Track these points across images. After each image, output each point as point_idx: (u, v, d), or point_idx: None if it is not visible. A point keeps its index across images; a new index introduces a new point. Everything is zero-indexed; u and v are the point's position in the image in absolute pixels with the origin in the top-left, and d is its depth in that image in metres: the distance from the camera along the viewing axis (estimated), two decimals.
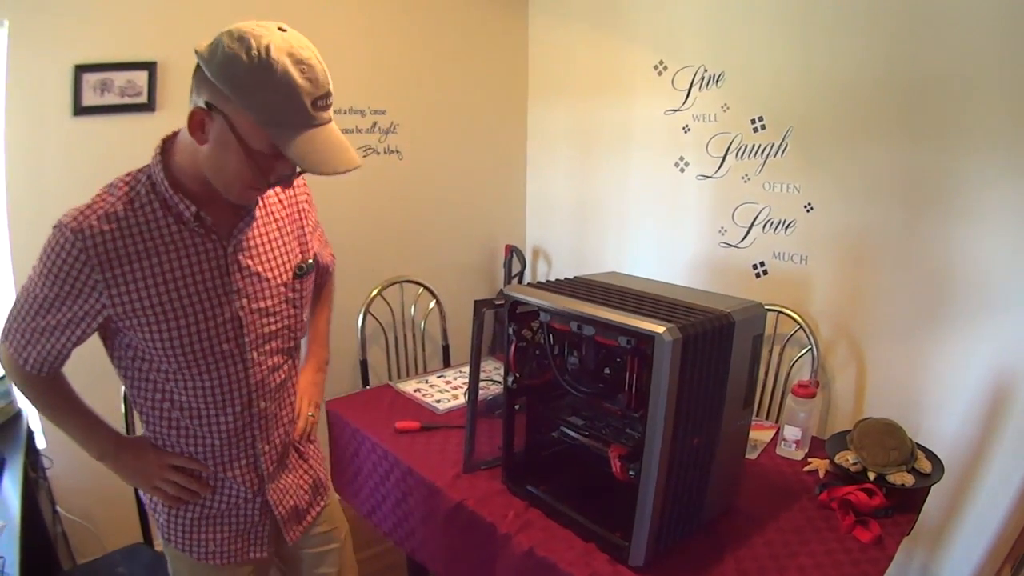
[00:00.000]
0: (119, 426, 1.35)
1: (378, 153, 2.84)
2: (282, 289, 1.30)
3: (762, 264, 2.48)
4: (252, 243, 1.25)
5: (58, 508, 2.31)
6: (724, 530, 1.54)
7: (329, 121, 1.09)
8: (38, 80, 2.13)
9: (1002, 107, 1.86)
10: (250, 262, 1.24)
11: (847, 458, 1.67)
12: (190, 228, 1.15)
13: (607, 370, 1.54)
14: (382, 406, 2.17)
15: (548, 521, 1.58)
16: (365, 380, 2.69)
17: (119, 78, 2.24)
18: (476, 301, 1.66)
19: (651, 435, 1.30)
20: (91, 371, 1.39)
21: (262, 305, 1.27)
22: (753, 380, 1.53)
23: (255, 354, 1.27)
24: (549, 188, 3.30)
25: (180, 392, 1.22)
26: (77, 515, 2.37)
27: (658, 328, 1.25)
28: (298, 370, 1.46)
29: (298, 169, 1.14)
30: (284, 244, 1.33)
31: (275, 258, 1.30)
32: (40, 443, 2.18)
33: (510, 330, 1.62)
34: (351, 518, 2.14)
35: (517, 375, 1.64)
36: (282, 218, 1.34)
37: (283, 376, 1.36)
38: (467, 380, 2.37)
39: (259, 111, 1.00)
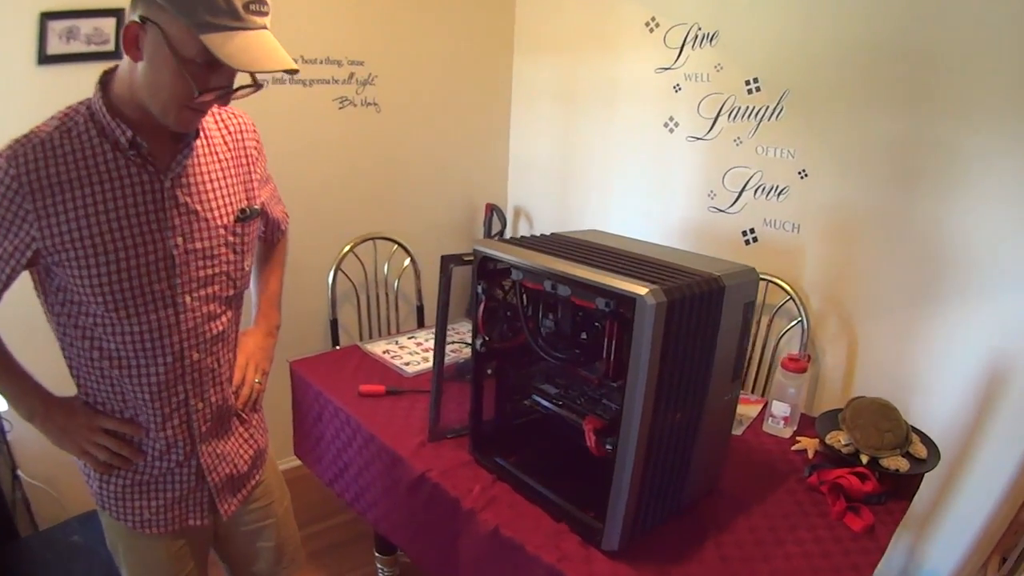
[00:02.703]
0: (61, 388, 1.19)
1: (355, 105, 2.64)
2: (221, 231, 1.18)
3: (752, 231, 2.30)
4: (192, 179, 1.13)
5: (19, 472, 2.17)
6: (706, 512, 1.39)
7: (264, 27, 0.99)
8: (1, 28, 1.96)
9: (1005, 82, 1.70)
10: (188, 199, 1.12)
11: (839, 439, 1.52)
12: (126, 156, 1.05)
13: (584, 335, 1.37)
14: (348, 368, 2.00)
15: (516, 496, 1.43)
16: (335, 340, 2.53)
17: (86, 25, 2.06)
18: (443, 257, 1.48)
19: (629, 408, 1.14)
20: (25, 328, 1.27)
21: (198, 246, 1.14)
22: (743, 351, 1.36)
23: (188, 298, 1.14)
24: (532, 146, 3.10)
25: (109, 338, 1.10)
26: (39, 480, 2.21)
27: (640, 289, 1.07)
28: (239, 324, 1.29)
29: (237, 85, 1.04)
30: (227, 185, 1.20)
31: (216, 198, 1.17)
32: None
33: (479, 288, 1.44)
34: (317, 485, 2.00)
35: (486, 338, 1.46)
36: (226, 159, 1.21)
37: (220, 327, 1.21)
38: None
39: (189, 13, 0.92)
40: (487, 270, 1.44)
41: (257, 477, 1.38)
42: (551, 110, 2.95)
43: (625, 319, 1.14)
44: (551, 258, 1.28)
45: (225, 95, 1.04)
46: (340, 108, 2.60)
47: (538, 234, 1.53)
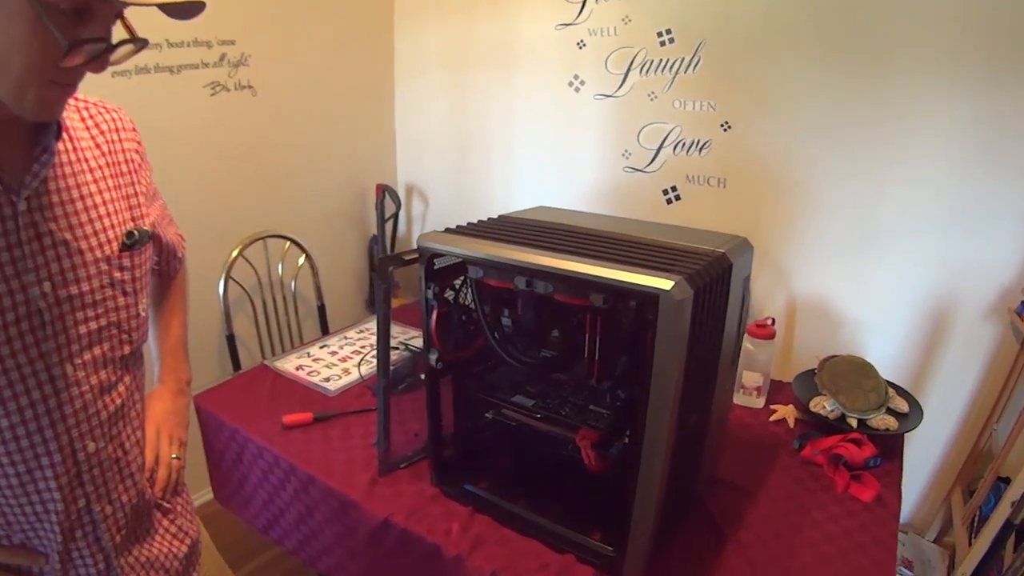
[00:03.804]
0: None
1: (228, 90, 2.25)
2: (104, 267, 0.83)
3: (674, 189, 2.18)
4: (57, 199, 0.78)
5: None
6: (715, 508, 1.25)
7: None
8: None
9: (934, 28, 1.65)
10: (53, 225, 0.77)
11: (823, 404, 1.43)
12: None
13: (555, 333, 1.17)
14: (261, 394, 1.68)
15: (503, 530, 1.21)
16: (235, 360, 2.18)
17: None
18: (380, 260, 1.22)
19: (655, 421, 0.95)
20: None
21: (74, 291, 0.79)
22: (742, 332, 1.21)
23: (69, 368, 0.80)
24: (422, 118, 2.81)
25: None
26: None
27: (662, 283, 0.88)
28: (142, 390, 0.96)
29: (116, 43, 0.69)
30: (105, 203, 0.84)
31: (92, 221, 0.82)
32: None
33: (429, 293, 1.20)
34: (243, 529, 1.68)
35: (439, 351, 1.23)
36: (101, 167, 0.85)
37: (119, 400, 0.87)
38: (355, 348, 1.96)
39: None
40: (433, 269, 1.20)
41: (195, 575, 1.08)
42: (441, 78, 2.67)
43: (609, 314, 0.95)
44: (525, 250, 1.05)
45: (102, 55, 0.68)
46: (212, 94, 2.20)
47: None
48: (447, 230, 1.18)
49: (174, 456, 1.06)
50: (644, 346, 0.94)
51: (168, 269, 1.15)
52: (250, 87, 2.32)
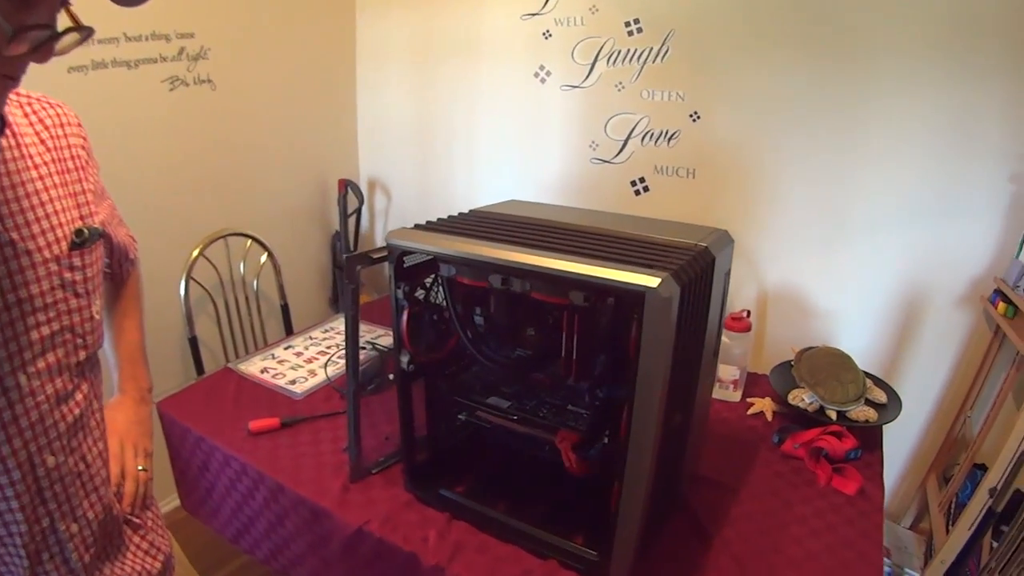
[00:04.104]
0: None
1: (187, 84, 2.15)
2: (54, 267, 0.76)
3: (642, 180, 2.15)
4: (1, 197, 0.72)
5: None
6: (698, 507, 1.22)
7: None
8: None
9: (905, 17, 1.65)
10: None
11: (801, 397, 1.41)
12: None
13: (531, 331, 1.12)
14: (226, 399, 1.60)
15: (482, 536, 1.16)
16: (198, 363, 2.09)
17: None
18: (348, 257, 1.15)
19: (640, 422, 0.91)
20: None
21: (24, 294, 0.73)
22: (722, 326, 1.18)
23: (23, 377, 0.73)
24: (385, 111, 2.74)
25: None
26: None
27: (648, 280, 0.84)
28: (101, 398, 0.89)
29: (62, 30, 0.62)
30: (52, 200, 0.78)
31: (39, 220, 0.75)
32: None
33: (399, 293, 1.14)
34: (212, 535, 1.60)
35: (411, 353, 1.17)
36: (46, 163, 0.79)
37: (77, 410, 0.81)
38: (320, 349, 1.88)
39: None
40: (403, 267, 1.14)
41: None
42: (404, 70, 2.59)
43: (586, 311, 0.90)
44: (500, 246, 1.00)
45: (47, 43, 0.61)
46: (171, 89, 2.10)
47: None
48: (417, 226, 1.12)
49: (140, 468, 0.99)
50: (625, 344, 0.90)
51: (120, 272, 1.08)
52: (209, 81, 2.23)
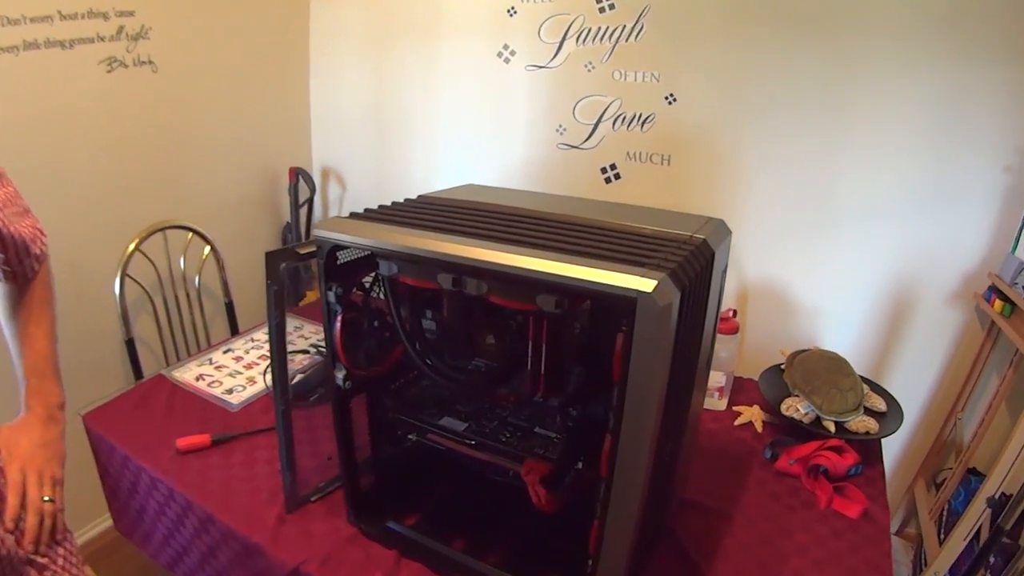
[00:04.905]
0: None
1: (126, 66, 1.92)
2: None
3: (613, 167, 1.96)
4: None
5: None
6: (684, 539, 1.03)
7: None
8: None
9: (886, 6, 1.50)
10: None
11: (795, 407, 1.23)
12: None
13: (490, 339, 0.93)
14: (156, 411, 1.38)
15: None
16: (137, 368, 1.87)
17: None
18: (268, 254, 0.94)
19: (630, 452, 0.72)
20: None
21: None
22: (717, 329, 1.00)
23: None
24: (339, 96, 2.50)
25: None
26: None
27: (641, 284, 0.65)
28: None
29: None
30: None
31: None
32: None
33: (331, 296, 0.93)
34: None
35: (348, 368, 0.96)
36: None
37: None
38: (262, 353, 1.66)
39: None
40: (336, 264, 0.93)
41: None
42: (360, 52, 2.36)
43: (555, 318, 0.72)
44: (451, 239, 0.80)
45: None
46: (109, 71, 1.87)
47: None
48: (352, 215, 0.92)
49: (46, 499, 0.83)
50: (606, 354, 0.71)
51: (22, 269, 0.90)
52: (151, 63, 2.00)
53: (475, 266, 0.75)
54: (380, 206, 0.97)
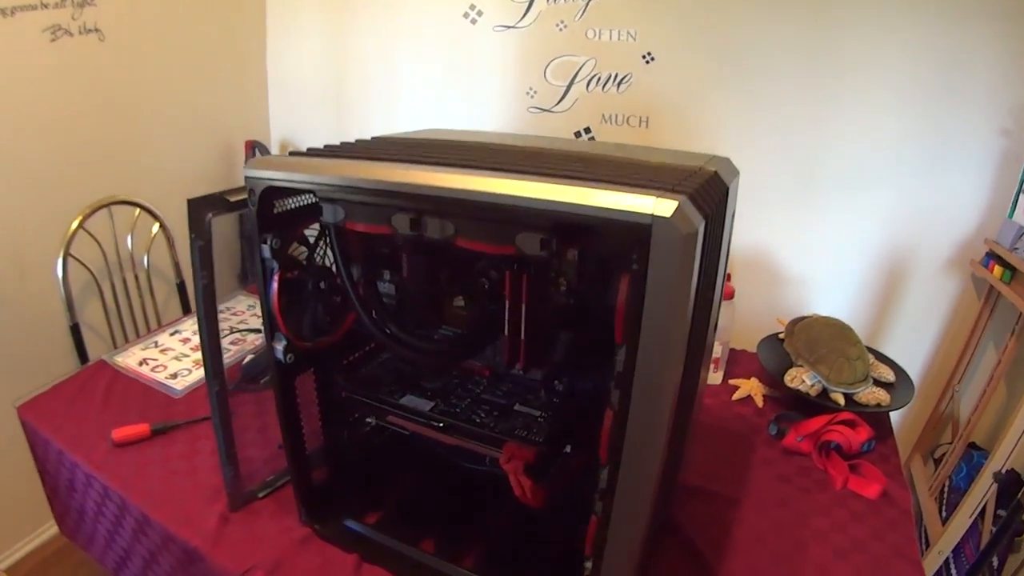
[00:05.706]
0: None
1: (71, 34, 1.73)
2: None
3: (588, 131, 1.81)
4: None
5: None
6: (690, 530, 0.88)
7: None
8: None
9: None
10: None
11: (801, 378, 1.09)
12: None
13: (459, 301, 0.77)
14: (94, 400, 1.19)
15: None
16: (83, 354, 1.69)
17: None
18: (190, 202, 0.76)
19: (641, 434, 0.56)
20: None
21: None
22: (723, 289, 0.84)
23: None
24: (298, 64, 2.30)
25: None
26: None
27: (659, 206, 0.48)
28: None
29: None
30: None
31: None
32: None
33: (266, 250, 0.75)
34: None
35: (289, 338, 0.78)
36: None
37: None
38: None
39: None
40: (272, 213, 0.75)
41: None
42: (319, 17, 2.17)
43: (533, 266, 0.56)
44: (410, 168, 0.63)
45: None
46: (53, 40, 1.69)
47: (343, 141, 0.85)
48: (292, 153, 0.74)
49: None
50: (603, 312, 0.55)
51: None
52: (97, 31, 1.81)
53: (439, 196, 0.58)
54: (326, 145, 0.80)
